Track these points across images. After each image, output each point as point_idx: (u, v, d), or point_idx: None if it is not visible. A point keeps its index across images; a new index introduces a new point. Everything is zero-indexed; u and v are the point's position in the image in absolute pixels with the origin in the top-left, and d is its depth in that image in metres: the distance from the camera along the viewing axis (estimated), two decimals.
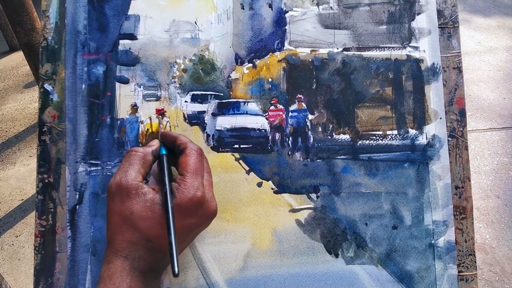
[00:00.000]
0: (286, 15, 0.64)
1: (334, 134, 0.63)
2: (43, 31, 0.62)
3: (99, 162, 0.60)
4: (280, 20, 0.64)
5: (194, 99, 0.63)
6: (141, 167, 0.51)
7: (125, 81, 0.62)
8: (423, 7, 0.65)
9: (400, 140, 0.63)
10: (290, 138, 0.63)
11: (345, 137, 0.63)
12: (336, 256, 0.60)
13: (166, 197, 0.48)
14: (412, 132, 0.63)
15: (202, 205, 0.50)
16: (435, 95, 0.63)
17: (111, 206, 0.49)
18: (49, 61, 0.61)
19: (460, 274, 0.60)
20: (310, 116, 0.63)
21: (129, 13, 0.63)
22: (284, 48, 0.64)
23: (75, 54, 0.62)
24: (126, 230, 0.48)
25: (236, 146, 0.62)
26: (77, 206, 0.59)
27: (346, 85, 0.63)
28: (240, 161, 0.62)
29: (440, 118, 0.63)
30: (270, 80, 0.63)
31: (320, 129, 0.63)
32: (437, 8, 0.65)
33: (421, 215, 0.61)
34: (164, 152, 0.55)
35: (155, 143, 0.56)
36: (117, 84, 0.62)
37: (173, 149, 0.55)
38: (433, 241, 0.61)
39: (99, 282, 0.47)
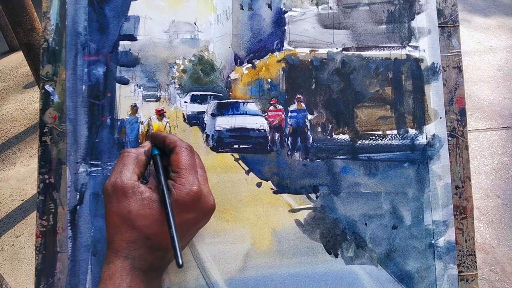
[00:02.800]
0: (285, 15, 0.64)
1: (333, 134, 0.63)
2: (43, 32, 0.62)
3: (99, 162, 0.60)
4: (279, 20, 0.64)
5: (194, 99, 0.63)
6: (135, 166, 0.52)
7: (125, 82, 0.62)
8: (423, 7, 0.65)
9: (399, 140, 0.63)
10: (290, 138, 0.63)
11: (345, 137, 0.63)
12: (336, 256, 0.60)
13: (163, 194, 0.48)
14: (412, 131, 0.63)
15: (200, 200, 0.50)
16: (435, 95, 0.63)
17: (108, 207, 0.50)
18: (50, 63, 0.62)
19: (461, 274, 0.60)
20: (310, 116, 0.63)
21: (129, 14, 0.63)
22: (283, 48, 0.64)
23: (75, 56, 0.62)
24: (125, 229, 0.48)
25: (236, 146, 0.62)
26: (78, 207, 0.59)
27: (345, 85, 0.63)
28: (240, 161, 0.62)
29: (440, 118, 0.63)
30: (269, 80, 0.63)
31: (319, 129, 0.63)
32: (437, 7, 0.65)
33: (421, 215, 0.61)
34: (156, 152, 0.55)
35: (146, 144, 0.56)
36: (117, 85, 0.62)
37: (163, 149, 0.56)
38: (433, 241, 0.61)
39: (100, 282, 0.47)
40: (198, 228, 0.54)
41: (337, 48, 0.64)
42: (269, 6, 0.65)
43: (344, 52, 0.64)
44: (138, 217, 0.48)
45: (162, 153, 0.56)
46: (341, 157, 0.62)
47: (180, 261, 0.44)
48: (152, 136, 0.57)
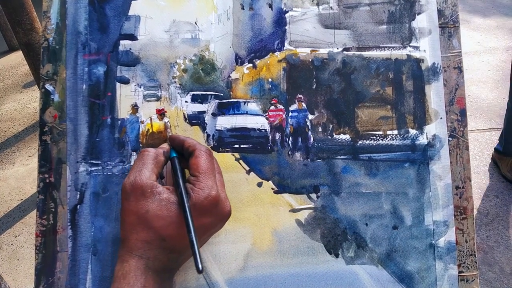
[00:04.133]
0: (286, 15, 0.64)
1: (334, 134, 0.63)
2: (44, 31, 0.62)
3: (99, 162, 0.60)
4: (280, 20, 0.64)
5: (194, 99, 0.63)
6: (154, 166, 0.51)
7: (126, 81, 0.62)
8: (424, 7, 0.65)
9: (400, 140, 0.63)
10: (290, 138, 0.63)
11: (345, 137, 0.63)
12: (336, 256, 0.60)
13: (182, 197, 0.48)
14: (413, 132, 0.63)
15: (217, 205, 0.50)
16: (435, 95, 0.63)
17: (126, 206, 0.49)
18: (50, 62, 0.61)
19: (461, 274, 0.60)
20: (310, 116, 0.63)
21: (129, 14, 0.63)
22: (284, 48, 0.64)
23: (76, 55, 0.62)
24: (141, 229, 0.48)
25: (236, 146, 0.62)
26: (78, 206, 0.59)
27: (346, 85, 0.63)
28: (240, 161, 0.62)
29: (441, 118, 0.63)
30: (270, 80, 0.63)
31: (320, 129, 0.63)
32: (437, 7, 0.65)
33: (422, 215, 0.61)
34: (174, 154, 0.55)
35: (165, 145, 0.56)
36: (118, 84, 0.62)
37: (181, 152, 0.56)
38: (433, 241, 0.61)
39: (114, 282, 0.47)
40: (212, 233, 0.54)
41: (338, 48, 0.64)
42: (270, 6, 0.64)
43: (345, 52, 0.64)
44: (155, 217, 0.48)
45: (179, 155, 0.56)
46: (342, 157, 0.62)
47: (200, 266, 0.44)
48: (171, 138, 0.57)
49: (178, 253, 0.50)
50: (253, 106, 0.63)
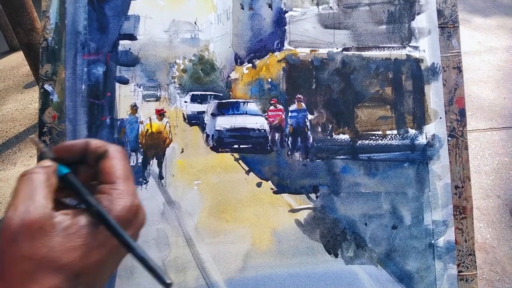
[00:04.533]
0: (286, 15, 0.64)
1: (333, 134, 0.63)
2: (43, 31, 0.62)
3: None
4: (279, 20, 0.64)
5: (194, 99, 0.63)
6: (49, 191, 0.39)
7: (125, 82, 0.62)
8: (423, 7, 0.65)
9: (399, 140, 0.63)
10: (290, 138, 0.63)
11: (345, 137, 0.63)
12: (336, 256, 0.60)
13: (100, 215, 0.38)
14: (412, 132, 0.63)
15: (139, 214, 0.41)
16: (435, 95, 0.63)
17: (13, 251, 0.35)
18: (49, 62, 0.61)
19: (460, 274, 0.60)
20: (310, 116, 0.63)
21: (129, 14, 0.63)
22: (284, 48, 0.64)
23: (75, 55, 0.62)
24: (45, 275, 0.35)
25: (236, 146, 0.62)
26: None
27: (345, 85, 0.63)
28: (240, 161, 0.62)
29: (440, 118, 0.63)
30: (269, 80, 0.63)
31: (319, 129, 0.63)
32: (437, 8, 0.64)
33: (421, 215, 0.61)
34: (67, 170, 0.42)
35: (49, 163, 0.42)
36: (117, 84, 0.62)
37: (77, 160, 0.44)
38: (433, 241, 0.61)
39: None
40: None
41: (337, 48, 0.64)
42: (270, 6, 0.64)
43: (345, 52, 0.64)
44: (65, 252, 0.36)
45: (72, 166, 0.43)
46: (341, 157, 0.62)
47: (168, 280, 0.36)
48: (59, 149, 0.43)
49: (93, 284, 0.40)
50: (253, 106, 0.63)
